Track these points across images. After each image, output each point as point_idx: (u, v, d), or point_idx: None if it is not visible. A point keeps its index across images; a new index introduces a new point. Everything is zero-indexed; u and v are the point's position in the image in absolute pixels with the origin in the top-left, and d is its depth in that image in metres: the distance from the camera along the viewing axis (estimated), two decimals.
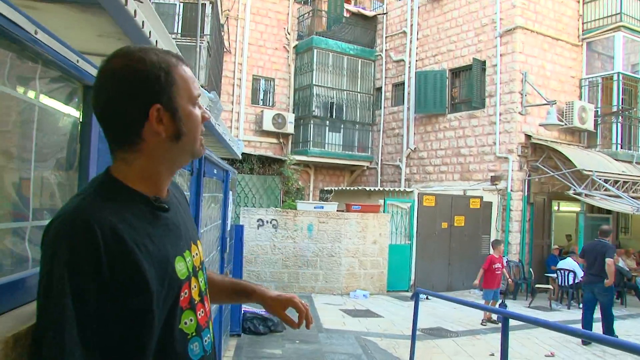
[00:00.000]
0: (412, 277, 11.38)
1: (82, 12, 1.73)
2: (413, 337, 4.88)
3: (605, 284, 7.38)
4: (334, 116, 16.00)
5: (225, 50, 14.94)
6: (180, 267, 1.09)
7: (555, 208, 13.00)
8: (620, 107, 12.66)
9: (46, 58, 1.25)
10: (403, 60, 15.32)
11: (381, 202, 11.41)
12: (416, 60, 14.87)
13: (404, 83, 15.20)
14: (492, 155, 12.45)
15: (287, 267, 10.27)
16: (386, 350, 6.52)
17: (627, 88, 12.82)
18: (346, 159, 16.00)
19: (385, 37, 16.14)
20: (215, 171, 4.40)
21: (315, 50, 15.45)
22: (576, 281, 10.42)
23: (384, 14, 16.32)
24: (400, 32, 15.53)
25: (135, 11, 1.63)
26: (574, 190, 11.51)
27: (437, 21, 14.30)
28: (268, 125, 15.10)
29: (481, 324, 8.35)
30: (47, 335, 0.90)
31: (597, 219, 13.00)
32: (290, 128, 15.41)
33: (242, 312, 6.74)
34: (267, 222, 10.28)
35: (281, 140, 15.70)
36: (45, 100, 1.31)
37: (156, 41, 1.87)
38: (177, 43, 9.00)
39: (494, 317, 8.30)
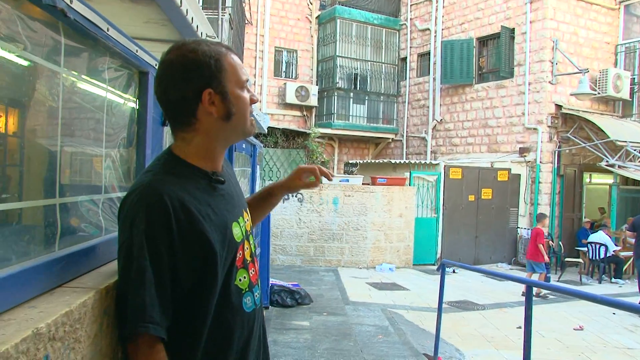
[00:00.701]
0: (439, 251, 11.30)
1: (134, 2, 1.92)
2: (440, 309, 4.85)
3: None
4: (358, 88, 15.76)
5: (246, 22, 14.76)
6: (237, 231, 1.27)
7: (587, 180, 12.65)
8: None
9: (114, 50, 1.41)
10: (428, 29, 14.90)
11: (407, 175, 11.27)
12: (442, 29, 14.45)
13: (429, 53, 14.82)
14: (521, 127, 12.12)
15: (313, 240, 10.29)
16: (412, 322, 6.52)
17: None
18: (371, 131, 15.81)
19: (410, 5, 15.68)
20: (244, 145, 4.46)
21: (338, 21, 15.15)
22: (607, 255, 10.20)
23: None
24: (426, 0, 15.07)
25: (181, 0, 1.86)
26: (607, 161, 11.16)
27: None
28: (291, 98, 14.98)
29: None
30: (131, 290, 1.08)
31: (632, 191, 12.65)
32: (313, 100, 15.25)
33: (270, 285, 6.80)
34: (292, 196, 10.26)
35: (305, 113, 15.58)
36: (111, 87, 1.48)
37: (197, 26, 2.12)
38: None
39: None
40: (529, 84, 11.98)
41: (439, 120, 14.46)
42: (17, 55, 1.01)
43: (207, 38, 2.34)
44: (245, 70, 1.28)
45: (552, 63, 11.68)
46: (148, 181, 1.15)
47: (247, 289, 1.28)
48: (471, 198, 11.58)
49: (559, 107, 11.70)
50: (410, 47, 15.71)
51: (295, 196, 10.30)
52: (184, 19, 1.95)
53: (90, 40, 1.29)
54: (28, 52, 1.04)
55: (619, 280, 10.39)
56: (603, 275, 10.41)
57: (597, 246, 10.25)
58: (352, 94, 15.54)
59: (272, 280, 7.04)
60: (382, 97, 16.04)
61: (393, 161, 12.99)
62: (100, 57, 1.39)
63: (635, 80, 12.40)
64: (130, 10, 1.97)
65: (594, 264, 10.63)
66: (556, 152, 11.75)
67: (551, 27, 11.68)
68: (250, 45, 14.95)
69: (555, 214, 11.90)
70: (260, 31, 15.18)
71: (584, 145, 11.54)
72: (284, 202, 10.20)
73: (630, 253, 11.08)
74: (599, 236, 10.37)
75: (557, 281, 10.04)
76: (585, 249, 10.64)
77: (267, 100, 15.26)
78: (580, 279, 10.18)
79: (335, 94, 15.17)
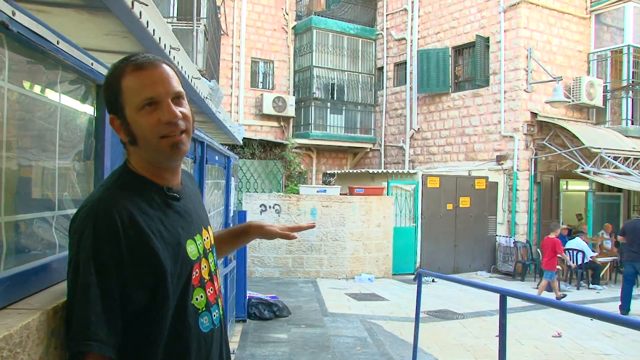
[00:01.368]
0: (418, 260, 11.23)
1: (91, 14, 1.88)
2: (417, 319, 4.79)
3: None
4: (335, 98, 15.72)
5: (222, 33, 14.64)
6: (192, 249, 1.22)
7: (564, 187, 12.74)
8: (630, 82, 12.31)
9: (65, 64, 1.38)
10: (405, 38, 14.99)
11: (385, 184, 11.21)
12: (418, 39, 14.53)
13: (406, 62, 14.88)
14: (498, 135, 12.19)
15: (291, 252, 10.13)
16: (392, 332, 6.44)
17: (638, 61, 12.46)
18: (349, 141, 15.77)
19: (386, 15, 15.78)
20: (217, 158, 4.46)
21: (314, 31, 15.13)
22: (585, 261, 10.24)
23: None
24: (401, 9, 15.17)
25: (140, 13, 1.82)
26: (582, 168, 11.26)
27: None
28: (268, 109, 14.86)
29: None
30: (76, 307, 1.04)
31: (607, 197, 12.78)
32: (291, 111, 15.16)
33: (247, 297, 6.67)
34: (269, 207, 10.13)
35: (282, 123, 15.47)
36: (65, 100, 1.44)
37: (159, 38, 2.08)
38: (173, 27, 8.77)
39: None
40: (504, 92, 12.07)
41: (416, 130, 14.49)
42: None
43: (172, 49, 2.34)
44: (157, 86, 1.14)
45: (527, 71, 11.80)
46: (98, 196, 1.12)
47: (204, 309, 1.24)
48: (449, 207, 11.56)
49: (534, 114, 11.80)
50: (387, 57, 15.77)
51: (273, 207, 10.15)
52: (144, 31, 1.93)
53: (38, 54, 1.25)
54: None
55: (596, 286, 10.42)
56: (581, 282, 10.44)
57: (575, 252, 10.29)
58: (329, 104, 15.50)
59: (249, 293, 6.90)
60: (359, 107, 16.03)
61: (371, 171, 12.93)
62: (51, 70, 1.36)
63: (608, 88, 12.60)
64: (88, 22, 1.95)
65: (571, 271, 10.67)
66: (533, 159, 11.82)
67: (525, 36, 11.82)
68: (226, 56, 14.82)
69: (533, 221, 11.94)
70: (236, 42, 15.08)
71: (559, 152, 11.63)
72: (261, 214, 10.04)
73: (607, 259, 11.20)
74: (577, 242, 10.42)
75: (536, 288, 10.01)
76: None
77: (244, 111, 15.12)
78: (559, 286, 10.17)
79: (313, 104, 15.11)
